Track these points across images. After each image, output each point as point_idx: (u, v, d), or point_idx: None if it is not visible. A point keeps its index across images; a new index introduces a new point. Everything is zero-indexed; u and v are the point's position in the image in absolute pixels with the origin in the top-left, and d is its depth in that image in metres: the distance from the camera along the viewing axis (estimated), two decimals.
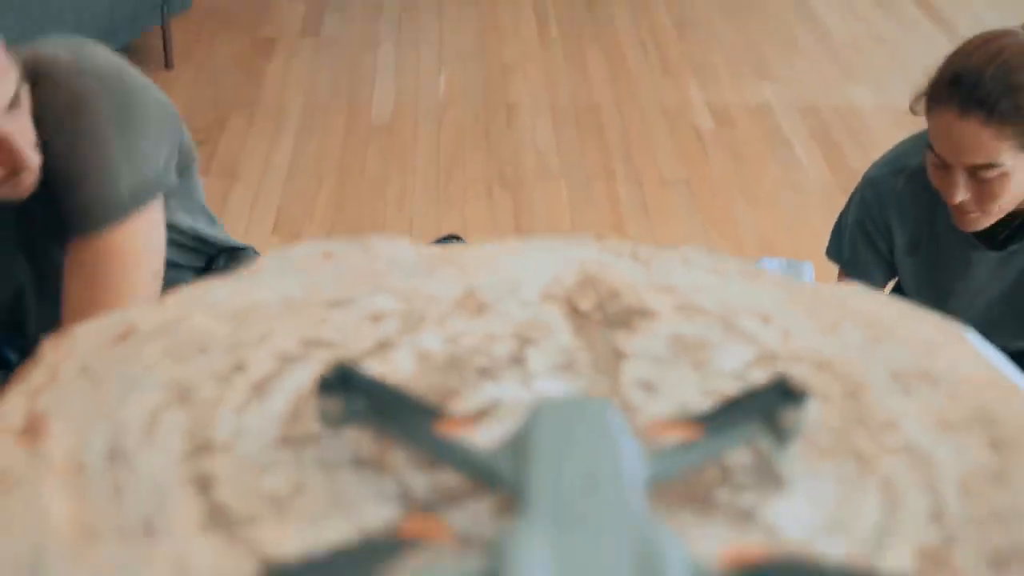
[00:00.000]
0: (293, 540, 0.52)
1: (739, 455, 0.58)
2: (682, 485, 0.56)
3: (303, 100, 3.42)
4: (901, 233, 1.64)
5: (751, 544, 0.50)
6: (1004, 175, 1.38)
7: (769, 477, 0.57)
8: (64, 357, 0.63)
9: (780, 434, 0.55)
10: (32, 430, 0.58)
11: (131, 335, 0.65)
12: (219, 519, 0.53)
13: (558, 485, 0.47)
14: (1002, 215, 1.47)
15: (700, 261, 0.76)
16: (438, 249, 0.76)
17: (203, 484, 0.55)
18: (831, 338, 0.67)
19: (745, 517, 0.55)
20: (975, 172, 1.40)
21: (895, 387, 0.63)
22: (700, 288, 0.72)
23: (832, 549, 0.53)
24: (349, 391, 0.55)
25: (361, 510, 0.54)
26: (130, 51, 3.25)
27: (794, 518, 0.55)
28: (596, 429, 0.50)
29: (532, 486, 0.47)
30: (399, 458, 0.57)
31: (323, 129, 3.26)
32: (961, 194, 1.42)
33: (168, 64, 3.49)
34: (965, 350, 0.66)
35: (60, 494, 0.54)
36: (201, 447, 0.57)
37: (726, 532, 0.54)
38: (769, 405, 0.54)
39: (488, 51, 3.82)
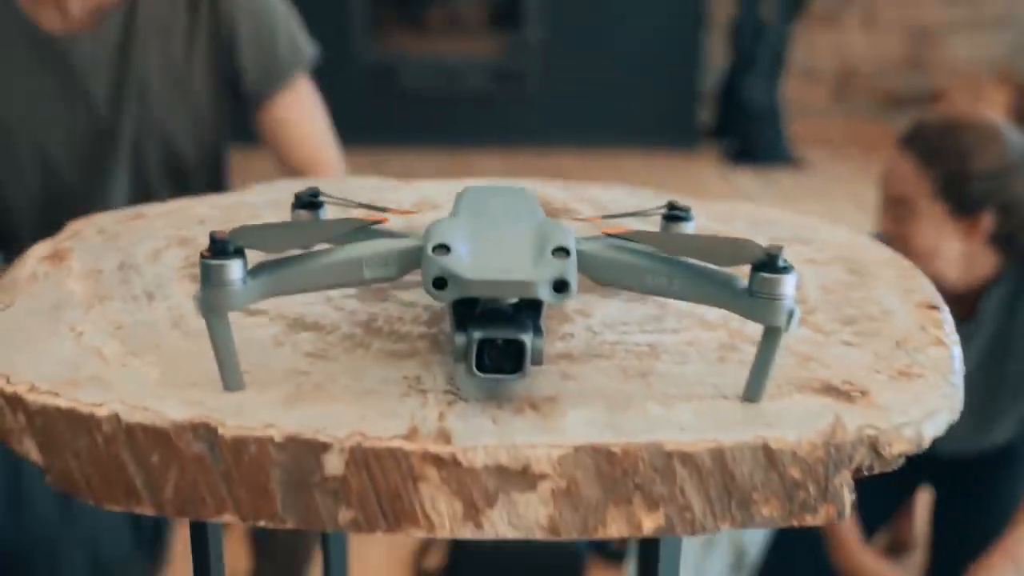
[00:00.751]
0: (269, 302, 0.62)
1: None
2: (592, 284, 0.67)
3: None
4: None
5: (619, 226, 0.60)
6: (915, 215, 1.50)
7: None
8: (84, 226, 0.74)
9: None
10: (56, 256, 0.69)
11: (142, 216, 0.77)
12: None
13: (479, 207, 0.58)
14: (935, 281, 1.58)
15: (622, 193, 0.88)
16: None
17: (195, 279, 0.66)
18: (724, 224, 0.79)
19: (642, 299, 0.65)
20: (895, 207, 1.53)
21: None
22: (616, 200, 0.84)
23: (712, 314, 0.63)
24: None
25: (327, 292, 0.65)
26: None
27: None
28: (514, 194, 0.61)
29: (458, 211, 0.58)
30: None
31: None
32: (884, 223, 1.56)
33: None
34: (835, 228, 0.78)
35: (79, 283, 0.65)
36: (194, 264, 0.68)
37: (625, 304, 0.65)
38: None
39: None
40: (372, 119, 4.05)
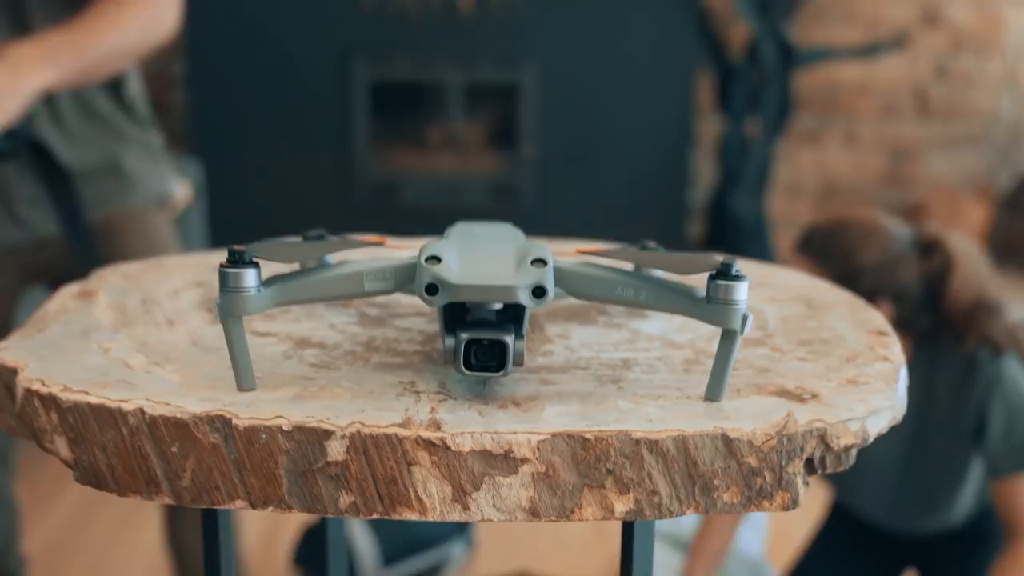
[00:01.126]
0: (278, 324, 0.68)
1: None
2: (570, 309, 0.72)
3: None
4: None
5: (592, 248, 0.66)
6: None
7: (636, 314, 0.74)
8: (110, 272, 0.80)
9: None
10: (85, 294, 0.74)
11: (162, 265, 0.82)
12: None
13: (467, 232, 0.64)
14: None
15: None
16: None
17: (212, 311, 0.71)
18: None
19: (617, 326, 0.71)
20: None
21: None
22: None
23: (682, 336, 0.69)
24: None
25: (330, 319, 0.70)
26: None
27: (653, 327, 0.71)
28: (498, 225, 0.67)
29: (448, 235, 0.64)
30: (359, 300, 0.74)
31: None
32: None
33: None
34: (794, 275, 0.84)
35: (105, 313, 0.70)
36: (210, 299, 0.74)
37: (600, 330, 0.70)
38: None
39: None
40: (374, 233, 4.14)
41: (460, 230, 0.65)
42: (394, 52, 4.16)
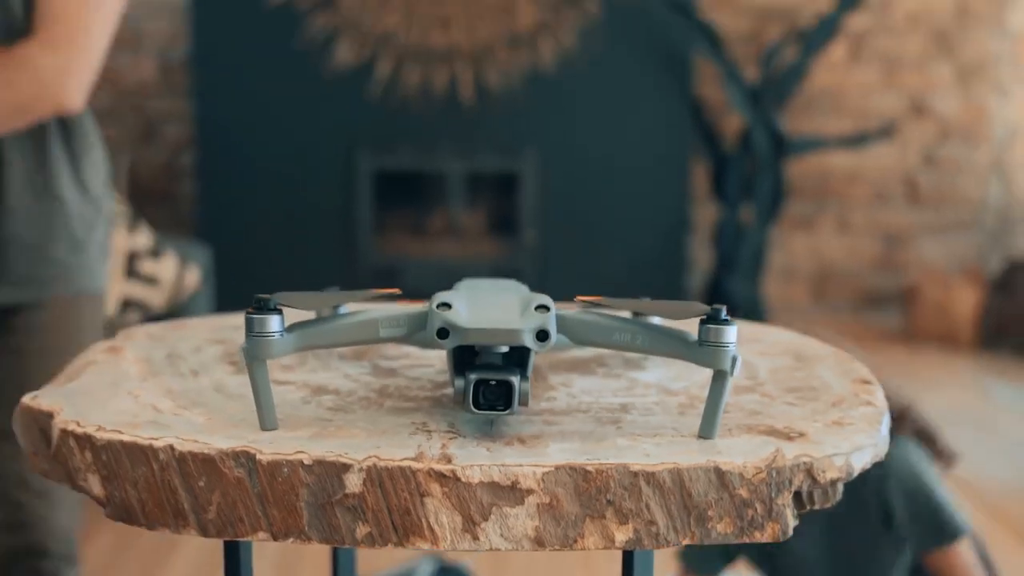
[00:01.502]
0: (296, 374, 0.71)
1: (609, 351, 0.78)
2: (571, 362, 0.76)
3: None
4: None
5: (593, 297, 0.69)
6: None
7: (634, 365, 0.77)
8: (135, 331, 0.84)
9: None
10: (112, 350, 0.78)
11: (184, 326, 0.86)
12: (243, 365, 0.73)
13: (474, 286, 0.67)
14: None
15: None
16: None
17: (233, 363, 0.75)
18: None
19: (615, 376, 0.74)
20: None
21: None
22: None
23: (677, 384, 0.72)
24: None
25: (345, 370, 0.74)
26: None
27: (650, 376, 0.74)
28: (503, 281, 0.71)
29: (457, 288, 0.67)
30: (373, 350, 0.77)
31: None
32: None
33: None
34: (784, 331, 0.87)
35: (133, 365, 0.74)
36: (231, 353, 0.77)
37: (600, 379, 0.74)
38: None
39: None
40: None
41: (468, 284, 0.69)
42: (397, 142, 4.26)
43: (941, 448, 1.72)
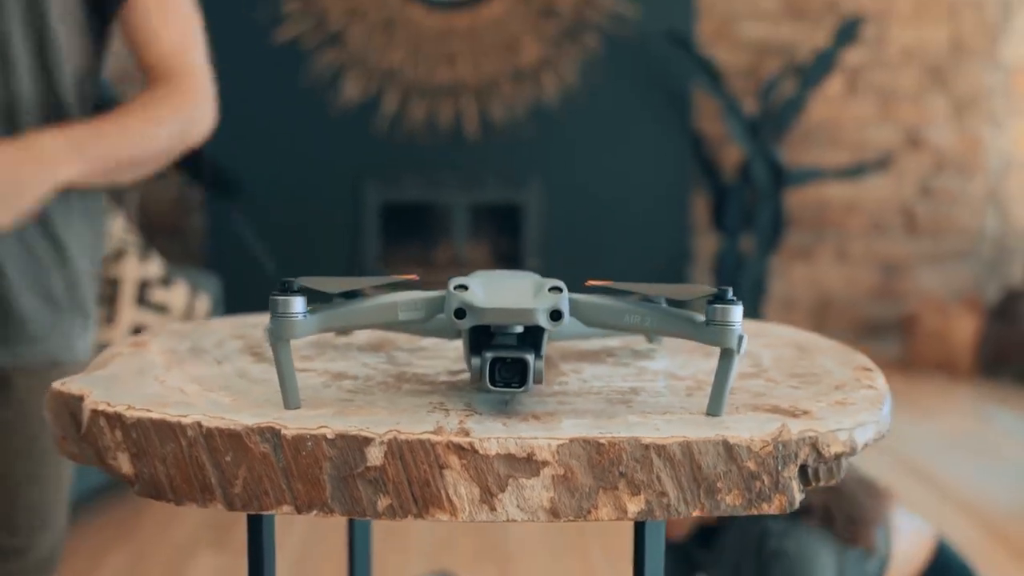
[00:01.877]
0: (316, 363, 0.73)
1: (617, 342, 0.80)
2: (581, 353, 0.78)
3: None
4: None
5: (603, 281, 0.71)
6: None
7: (642, 355, 0.79)
8: (158, 328, 0.86)
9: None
10: (138, 344, 0.80)
11: (207, 324, 0.88)
12: (264, 354, 0.74)
13: (489, 274, 0.69)
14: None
15: None
16: None
17: (255, 354, 0.77)
18: None
19: (624, 364, 0.76)
20: None
21: None
22: None
23: (684, 371, 0.74)
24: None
25: (363, 359, 0.75)
26: None
27: (658, 364, 0.76)
28: (517, 271, 0.73)
29: (472, 276, 0.69)
30: (389, 343, 0.79)
31: (328, 523, 3.44)
32: None
33: None
34: (785, 327, 0.89)
35: (158, 356, 0.76)
36: (255, 348, 0.79)
37: (610, 367, 0.75)
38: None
39: None
40: None
41: (482, 272, 0.71)
42: (403, 175, 4.29)
43: (854, 523, 1.68)
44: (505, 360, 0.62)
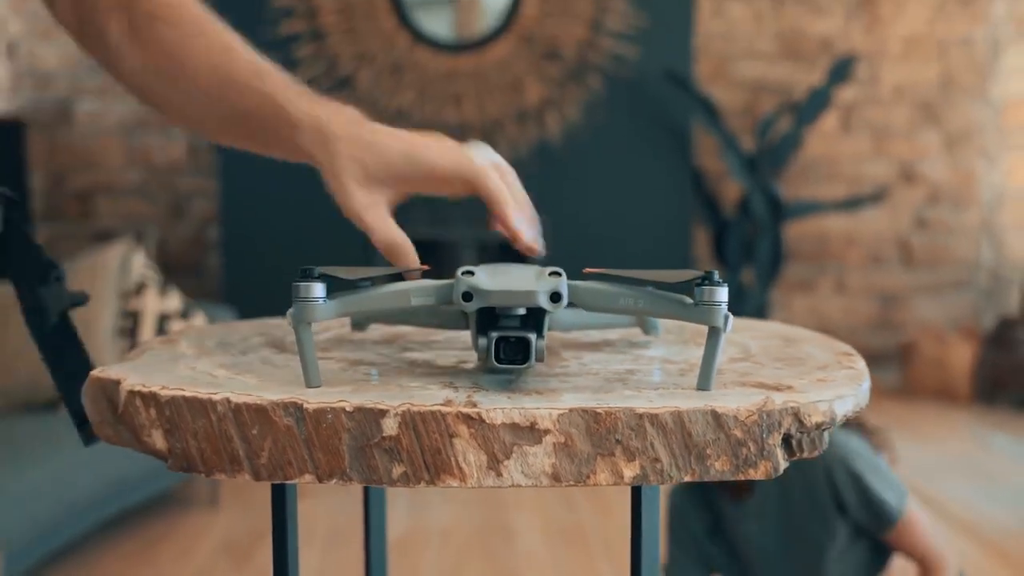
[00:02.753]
0: (334, 353, 0.77)
1: (616, 335, 0.84)
2: (580, 343, 0.81)
3: (328, 524, 3.64)
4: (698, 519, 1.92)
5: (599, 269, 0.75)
6: None
7: (638, 345, 0.83)
8: (184, 329, 0.90)
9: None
10: (167, 341, 0.84)
11: (232, 325, 0.92)
12: (286, 347, 0.78)
13: (493, 264, 0.73)
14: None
15: None
16: None
17: (276, 347, 0.81)
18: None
19: (621, 352, 0.80)
20: None
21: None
22: None
23: (678, 357, 0.78)
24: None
25: (378, 351, 0.79)
26: (178, 495, 3.52)
27: (653, 352, 0.80)
28: (519, 264, 0.77)
29: (478, 266, 0.73)
30: (402, 337, 0.83)
31: (345, 546, 3.45)
32: None
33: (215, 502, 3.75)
34: (770, 323, 0.93)
35: (188, 349, 0.80)
36: (277, 343, 0.83)
37: (607, 354, 0.79)
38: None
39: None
40: None
41: (487, 264, 0.75)
42: (411, 212, 4.35)
43: (875, 433, 1.82)
44: (509, 339, 0.66)
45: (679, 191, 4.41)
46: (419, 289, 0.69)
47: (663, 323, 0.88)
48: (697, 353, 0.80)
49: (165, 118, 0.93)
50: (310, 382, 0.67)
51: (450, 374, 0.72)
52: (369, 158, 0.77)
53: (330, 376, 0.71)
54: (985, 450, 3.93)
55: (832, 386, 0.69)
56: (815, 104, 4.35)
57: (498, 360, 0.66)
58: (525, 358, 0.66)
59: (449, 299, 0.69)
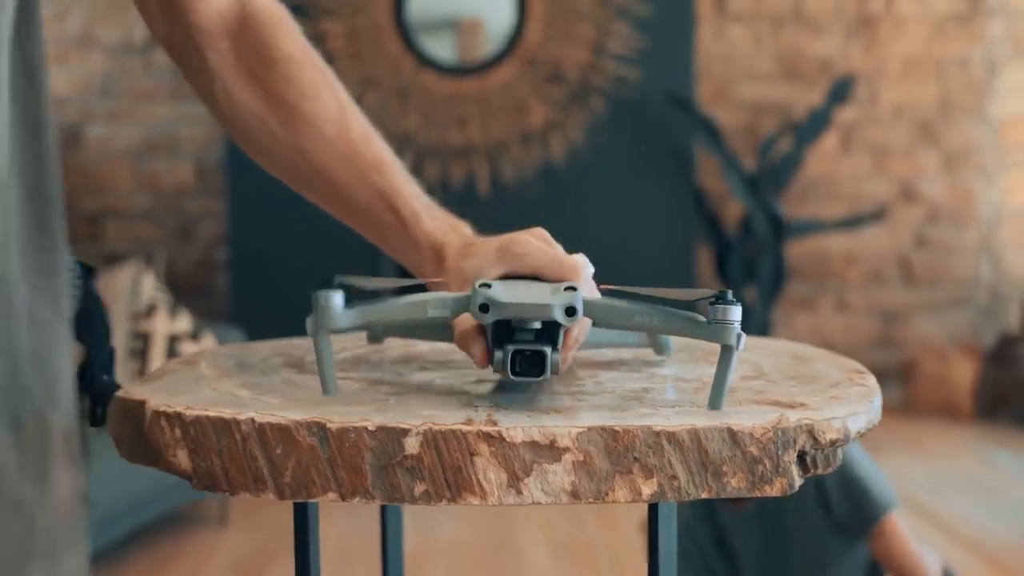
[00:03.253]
0: (354, 373, 0.78)
1: (629, 354, 0.84)
2: (595, 363, 0.82)
3: (339, 542, 3.63)
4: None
5: (609, 285, 0.76)
6: None
7: (652, 364, 0.83)
8: (202, 351, 0.90)
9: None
10: (187, 362, 0.85)
11: (246, 346, 0.93)
12: (305, 367, 0.79)
13: (509, 280, 0.73)
14: None
15: None
16: None
17: (296, 366, 0.81)
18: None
19: (636, 370, 0.80)
20: None
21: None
22: None
23: (690, 375, 0.78)
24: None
25: (396, 370, 0.80)
26: (188, 513, 3.51)
27: (667, 371, 0.80)
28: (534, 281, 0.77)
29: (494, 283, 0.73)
30: (421, 356, 0.83)
31: (357, 563, 3.44)
32: None
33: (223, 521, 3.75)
34: (781, 342, 0.93)
35: (209, 370, 0.80)
36: (297, 363, 0.84)
37: (622, 373, 0.80)
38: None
39: None
40: None
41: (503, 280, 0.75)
42: None
43: None
44: (525, 352, 0.66)
45: (681, 211, 4.42)
46: (436, 301, 0.69)
47: (675, 340, 0.88)
48: (709, 371, 0.80)
49: (250, 155, 0.92)
50: (328, 390, 0.68)
51: (470, 393, 0.73)
52: (468, 264, 0.78)
53: (351, 396, 0.71)
54: (987, 466, 3.92)
55: (845, 403, 0.70)
56: (815, 124, 4.37)
57: (514, 373, 0.66)
58: (541, 371, 0.66)
59: (465, 310, 0.70)
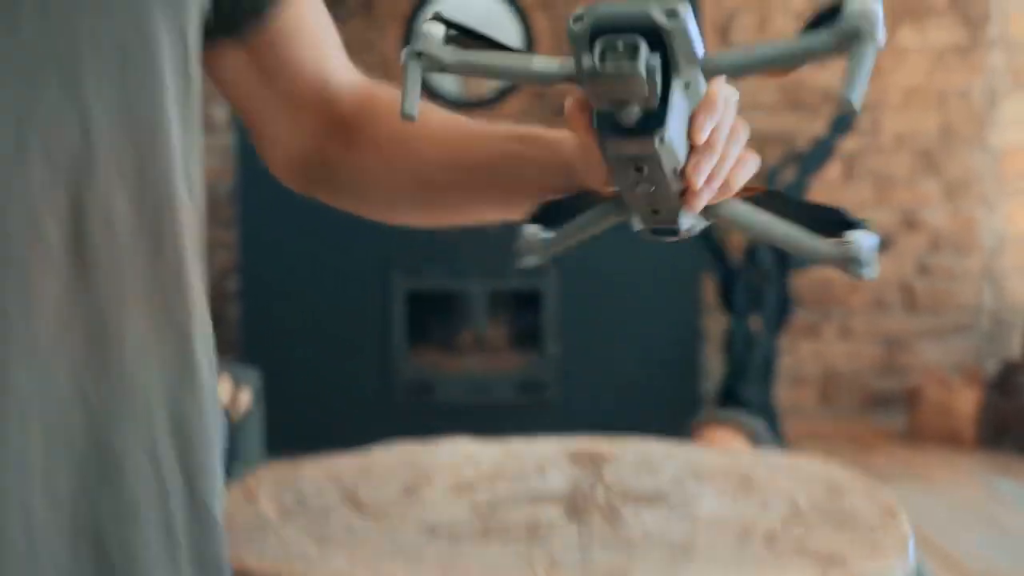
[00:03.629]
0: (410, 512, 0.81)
1: (668, 481, 0.88)
2: (639, 496, 0.85)
3: None
4: None
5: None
6: None
7: (689, 498, 0.87)
8: (260, 475, 0.94)
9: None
10: (248, 495, 0.88)
11: (300, 468, 0.96)
12: (363, 509, 0.82)
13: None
14: None
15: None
16: None
17: (355, 504, 0.85)
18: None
19: (673, 508, 0.84)
20: None
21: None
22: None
23: (730, 515, 0.82)
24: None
25: (449, 508, 0.83)
26: None
27: (706, 504, 0.84)
28: None
29: None
30: (471, 491, 0.87)
31: None
32: None
33: None
34: (812, 464, 0.97)
35: (270, 510, 0.84)
36: (353, 499, 0.87)
37: (666, 513, 0.83)
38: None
39: None
40: (411, 428, 4.27)
41: None
42: (428, 264, 4.39)
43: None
44: (615, 46, 0.56)
45: (687, 241, 4.44)
46: (542, 58, 0.64)
47: (715, 469, 0.91)
48: (750, 510, 0.84)
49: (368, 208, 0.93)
50: (405, 110, 0.65)
51: (525, 541, 0.76)
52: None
53: (410, 550, 0.75)
54: (990, 495, 3.95)
55: (882, 554, 0.73)
56: (818, 154, 4.40)
57: (602, 61, 0.57)
58: (633, 68, 0.56)
59: (571, 74, 0.62)
